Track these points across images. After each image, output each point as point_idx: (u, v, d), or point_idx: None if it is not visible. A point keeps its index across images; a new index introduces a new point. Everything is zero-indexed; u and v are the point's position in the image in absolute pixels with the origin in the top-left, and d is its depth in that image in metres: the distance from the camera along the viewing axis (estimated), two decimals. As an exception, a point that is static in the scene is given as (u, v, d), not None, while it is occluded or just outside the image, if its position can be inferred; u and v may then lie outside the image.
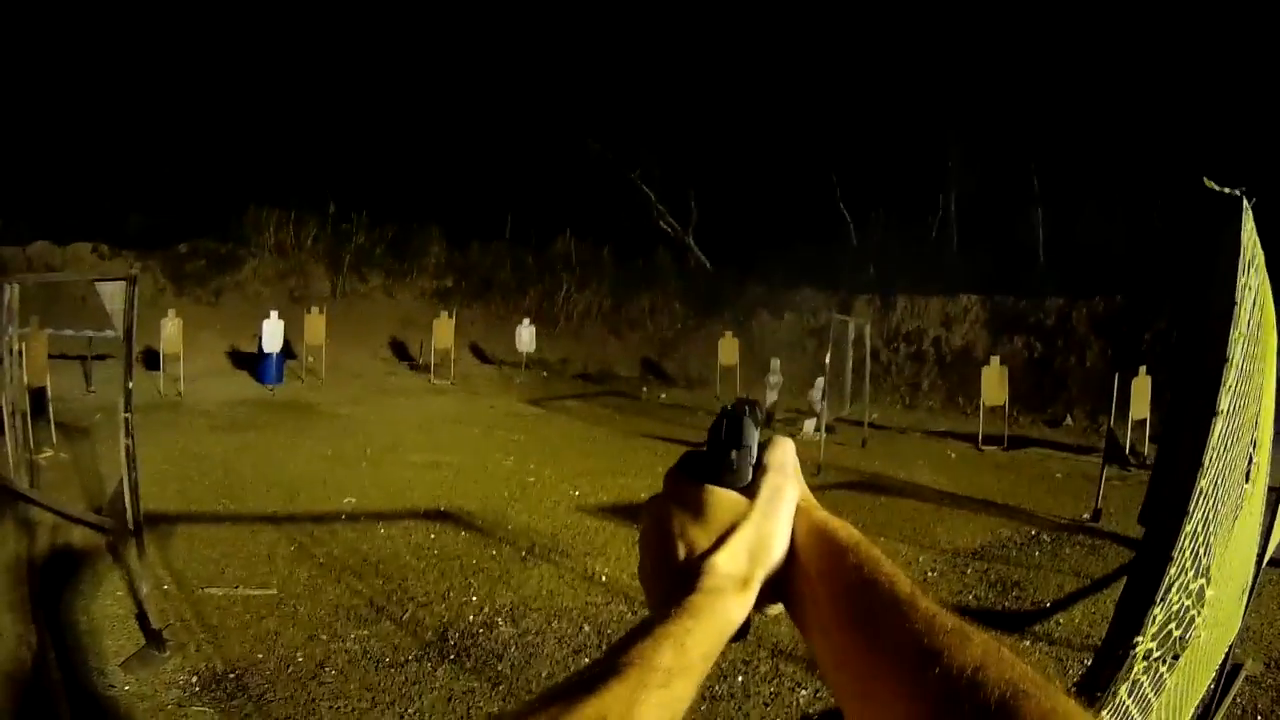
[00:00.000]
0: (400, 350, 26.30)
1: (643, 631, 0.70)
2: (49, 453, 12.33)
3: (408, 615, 7.17)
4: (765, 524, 0.81)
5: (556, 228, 31.82)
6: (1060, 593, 7.79)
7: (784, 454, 0.87)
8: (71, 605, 6.89)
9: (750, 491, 0.82)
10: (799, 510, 0.84)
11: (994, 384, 17.39)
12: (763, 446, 0.86)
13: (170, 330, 19.41)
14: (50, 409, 12.95)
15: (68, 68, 29.98)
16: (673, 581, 0.78)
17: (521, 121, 33.71)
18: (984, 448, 16.05)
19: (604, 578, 7.74)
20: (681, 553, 0.80)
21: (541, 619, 6.78)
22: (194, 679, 5.67)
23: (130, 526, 6.25)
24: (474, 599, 7.17)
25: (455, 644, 6.33)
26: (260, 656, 6.01)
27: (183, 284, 25.49)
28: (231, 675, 5.73)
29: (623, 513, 9.71)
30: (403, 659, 6.06)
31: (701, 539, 0.80)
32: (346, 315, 25.45)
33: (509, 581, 7.64)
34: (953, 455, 15.51)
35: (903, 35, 29.76)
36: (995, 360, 17.93)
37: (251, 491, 10.95)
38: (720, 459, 0.83)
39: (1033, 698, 0.57)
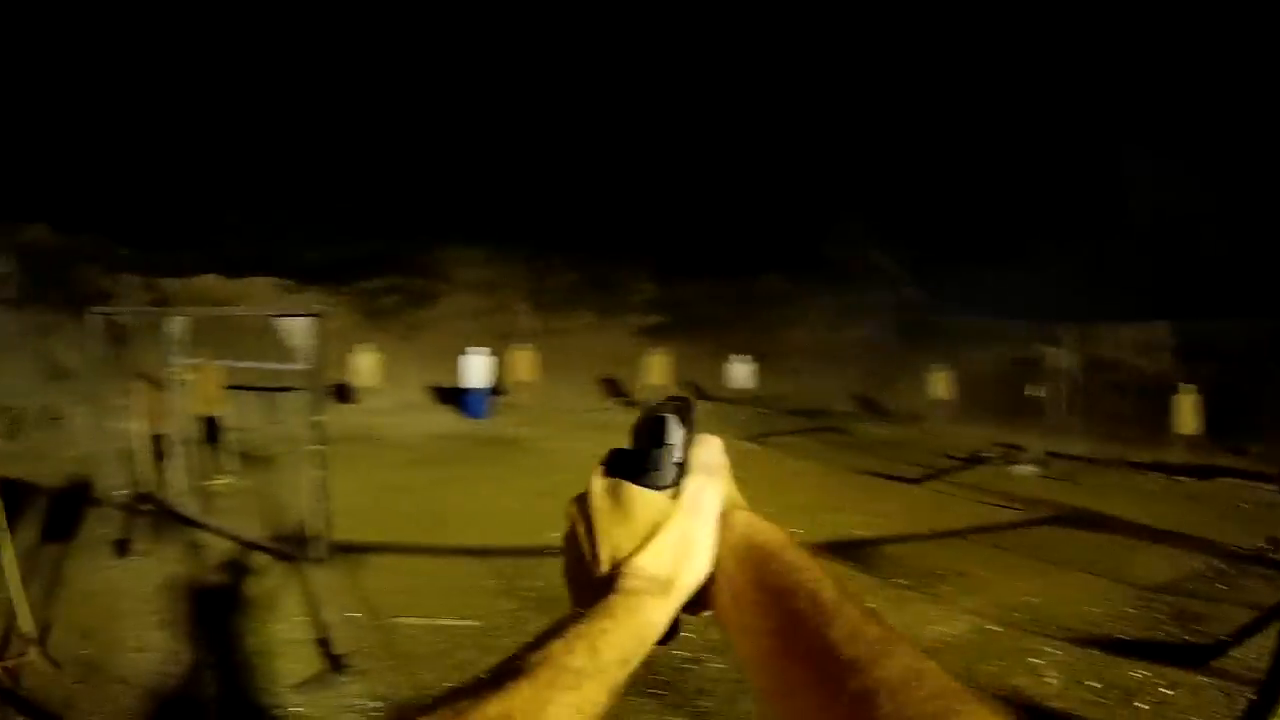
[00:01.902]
0: (611, 386, 26.70)
1: (557, 631, 0.71)
2: (225, 480, 12.81)
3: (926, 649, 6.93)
4: (689, 525, 0.82)
5: (767, 262, 31.89)
6: (1235, 625, 7.62)
7: (710, 454, 0.87)
8: (243, 628, 7.14)
9: (674, 492, 0.83)
10: (726, 512, 0.85)
11: (1187, 413, 17.75)
12: (689, 446, 0.86)
13: (364, 364, 20.33)
14: (226, 438, 13.60)
15: (254, 103, 31.57)
16: (594, 582, 0.81)
17: (730, 155, 34.13)
18: (1177, 478, 15.96)
19: None
20: (604, 553, 0.82)
21: None
22: (375, 704, 5.82)
23: (318, 555, 6.55)
24: (684, 634, 6.73)
25: (663, 679, 6.33)
26: (452, 684, 5.63)
27: (377, 319, 26.59)
28: (410, 705, 5.41)
29: (838, 550, 9.66)
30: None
31: (624, 540, 0.82)
32: (555, 351, 25.87)
33: None
34: (1148, 487, 15.39)
35: (1084, 57, 30.19)
36: (1187, 389, 18.16)
37: (452, 524, 11.07)
38: (643, 458, 0.85)
39: (962, 715, 0.58)
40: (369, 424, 18.92)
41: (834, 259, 31.72)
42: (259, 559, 8.81)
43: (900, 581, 8.58)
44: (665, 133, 34.38)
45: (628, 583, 0.78)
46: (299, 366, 7.94)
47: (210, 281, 25.15)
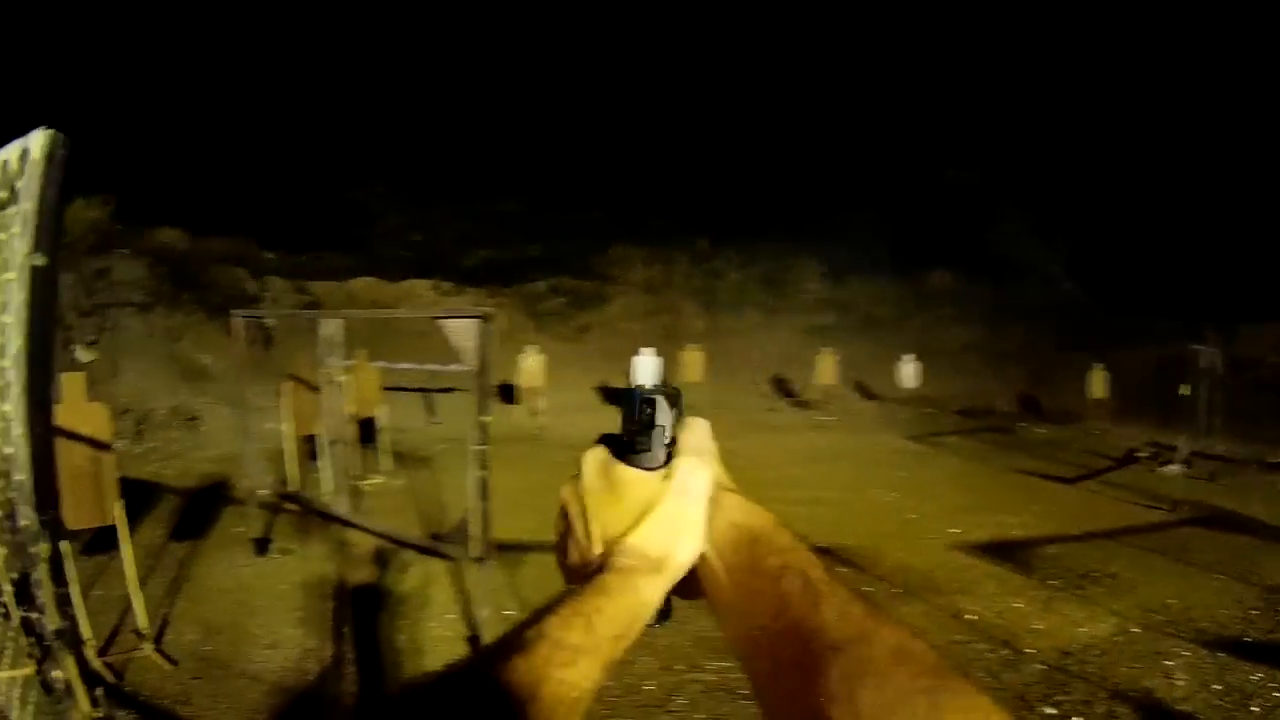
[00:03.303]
0: (781, 386, 26.95)
1: (552, 609, 0.76)
2: (378, 480, 12.89)
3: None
4: (678, 506, 0.85)
5: (933, 259, 32.32)
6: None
7: (699, 435, 0.92)
8: (390, 625, 7.16)
9: (665, 473, 0.87)
10: (715, 494, 0.88)
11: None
12: (678, 429, 0.91)
13: (530, 365, 20.38)
14: (381, 438, 13.73)
15: (410, 103, 32.00)
16: (587, 562, 0.88)
17: (892, 153, 34.34)
18: (1314, 478, 15.69)
19: (970, 616, 7.70)
20: (596, 534, 0.88)
21: None
22: None
23: (477, 554, 6.55)
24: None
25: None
26: (607, 683, 5.28)
27: (541, 320, 26.99)
28: None
29: (994, 551, 9.78)
30: (757, 691, 5.57)
31: (616, 521, 0.87)
32: (724, 351, 26.22)
33: None
34: (1286, 487, 15.37)
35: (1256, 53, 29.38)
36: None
37: None
38: (634, 440, 0.90)
39: (947, 693, 0.61)
40: (533, 425, 19.10)
41: (996, 256, 31.88)
42: (410, 557, 8.84)
43: (1052, 583, 8.59)
44: (834, 131, 34.49)
45: (621, 561, 0.82)
46: (461, 368, 7.70)
47: (366, 284, 25.79)
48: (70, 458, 5.99)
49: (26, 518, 1.79)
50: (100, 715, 1.85)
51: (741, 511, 0.85)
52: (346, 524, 9.51)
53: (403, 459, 13.99)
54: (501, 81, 33.11)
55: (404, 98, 31.70)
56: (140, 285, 18.98)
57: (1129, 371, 23.51)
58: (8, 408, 1.78)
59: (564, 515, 0.93)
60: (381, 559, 8.87)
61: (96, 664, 5.83)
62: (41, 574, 1.80)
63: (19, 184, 1.77)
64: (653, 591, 0.81)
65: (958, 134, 33.28)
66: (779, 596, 0.73)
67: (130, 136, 23.65)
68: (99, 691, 1.89)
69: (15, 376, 1.75)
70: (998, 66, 33.07)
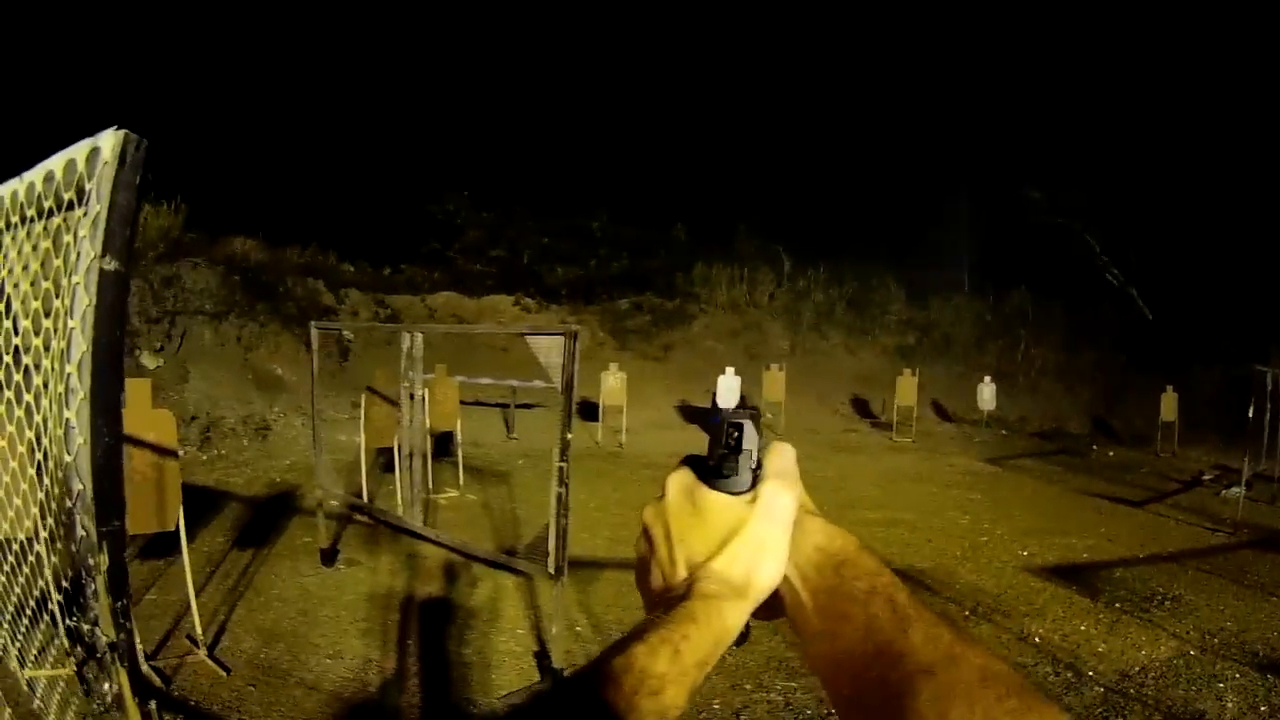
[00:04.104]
0: (861, 407, 27.01)
1: (638, 635, 0.76)
2: (452, 493, 12.96)
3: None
4: (764, 530, 0.85)
5: (1012, 280, 32.25)
6: None
7: (784, 460, 0.91)
8: (457, 639, 7.20)
9: (750, 497, 0.87)
10: (799, 517, 0.88)
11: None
12: (763, 453, 0.91)
13: (612, 383, 20.41)
14: (459, 453, 13.80)
15: (492, 121, 32.32)
16: (670, 586, 0.87)
17: (973, 175, 34.75)
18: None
19: (1038, 639, 7.79)
20: (680, 558, 0.87)
21: None
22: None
23: (553, 570, 6.56)
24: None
25: None
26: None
27: (625, 338, 27.02)
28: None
29: (1062, 573, 9.90)
30: (825, 712, 6.08)
31: (700, 544, 0.87)
32: (806, 371, 26.39)
33: None
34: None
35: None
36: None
37: None
38: (721, 464, 0.90)
39: (1034, 716, 0.63)
40: (613, 442, 19.24)
41: (1072, 276, 31.90)
42: (481, 571, 8.89)
43: (1117, 605, 8.70)
44: (918, 152, 35.11)
45: (705, 586, 0.82)
46: (543, 384, 7.84)
47: (446, 299, 25.93)
48: (132, 463, 6.07)
49: (85, 529, 1.80)
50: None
51: (825, 535, 0.86)
52: (418, 537, 9.51)
53: (479, 473, 14.08)
54: (588, 97, 33.38)
55: (489, 111, 32.05)
56: (212, 294, 19.20)
57: (1199, 392, 23.86)
58: (70, 414, 1.79)
59: (646, 537, 0.93)
60: (452, 572, 8.93)
61: (144, 669, 5.90)
62: (99, 586, 1.81)
63: (88, 185, 1.78)
64: (737, 617, 0.81)
65: (1036, 155, 33.37)
66: (866, 620, 0.75)
67: (205, 145, 24.15)
68: (152, 705, 1.88)
69: (80, 383, 1.76)
70: (1075, 89, 33.44)
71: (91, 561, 1.78)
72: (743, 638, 0.84)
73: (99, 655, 1.87)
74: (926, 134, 35.19)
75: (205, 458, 14.66)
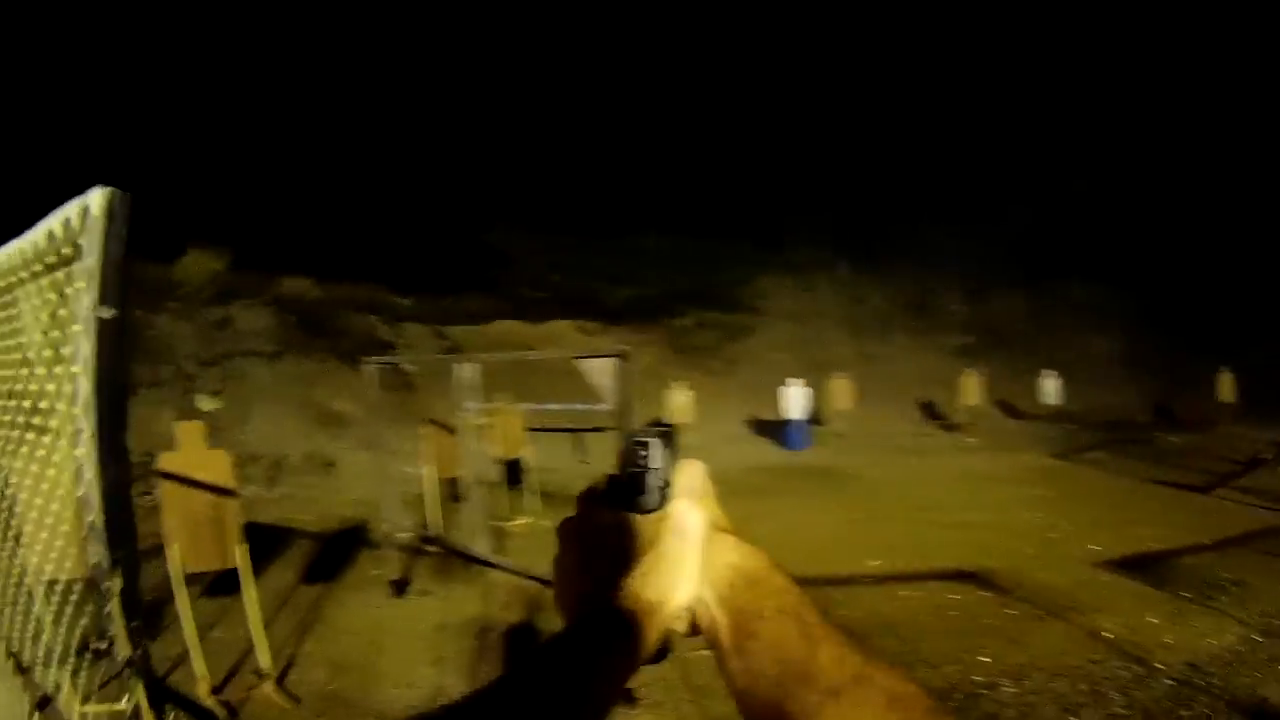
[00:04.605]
0: (927, 409, 27.21)
1: (549, 655, 0.79)
2: (524, 520, 13.02)
3: (916, 677, 6.80)
4: (675, 548, 0.87)
5: (1069, 272, 32.75)
6: None
7: (693, 478, 0.94)
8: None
9: (659, 516, 0.89)
10: (711, 535, 0.89)
11: None
12: (672, 471, 0.93)
13: (679, 400, 20.73)
14: (528, 479, 13.94)
15: (549, 146, 32.58)
16: (584, 606, 0.87)
17: (1022, 167, 34.53)
18: None
19: (1108, 634, 7.80)
20: (593, 577, 0.88)
21: (1044, 678, 6.89)
22: None
23: None
24: (984, 659, 7.37)
25: (957, 705, 6.42)
26: None
27: (689, 355, 27.20)
28: None
29: (1131, 565, 9.97)
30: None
31: (612, 564, 0.87)
32: (871, 377, 26.56)
33: (1021, 640, 7.84)
34: None
35: None
36: None
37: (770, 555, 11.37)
38: (629, 483, 0.92)
39: None
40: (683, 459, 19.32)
41: (1128, 264, 32.15)
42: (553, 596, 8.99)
43: (1184, 594, 8.72)
44: (967, 149, 35.05)
45: (617, 604, 0.82)
46: (602, 406, 7.93)
47: (507, 327, 26.18)
48: (188, 503, 6.27)
49: (99, 555, 1.92)
50: None
51: (738, 553, 0.86)
52: (489, 565, 9.68)
53: (550, 499, 14.11)
54: (636, 117, 33.52)
55: (538, 138, 32.29)
56: (267, 334, 19.47)
57: (1257, 372, 24.20)
58: (80, 452, 1.94)
59: (560, 557, 0.94)
60: (525, 600, 8.93)
61: (209, 701, 6.15)
62: (114, 608, 1.90)
63: (81, 240, 1.94)
64: (650, 634, 0.82)
65: (1085, 145, 33.77)
66: (775, 639, 0.76)
67: (249, 188, 24.59)
68: (171, 716, 2.05)
69: (86, 422, 1.90)
70: (1126, 78, 33.60)
71: (106, 585, 1.92)
72: (661, 654, 0.86)
73: (118, 673, 2.01)
74: (981, 131, 35.22)
75: (271, 495, 14.89)
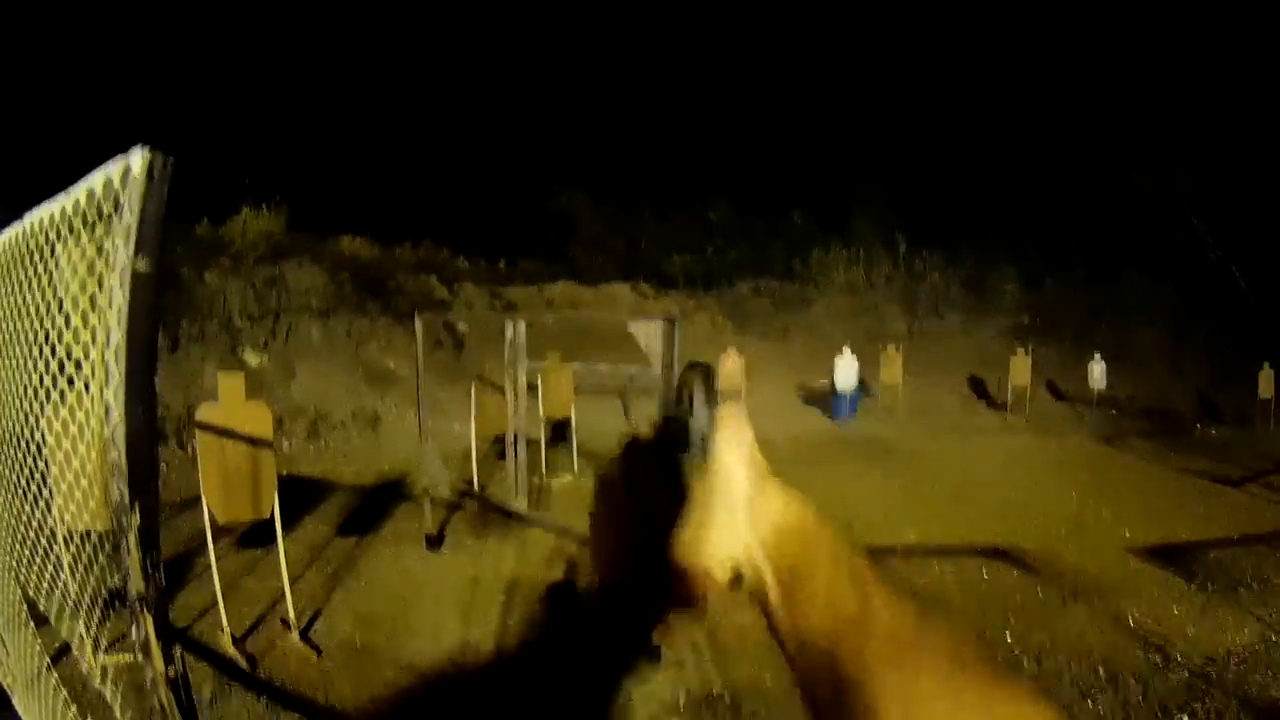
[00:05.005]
0: (977, 387, 27.07)
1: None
2: (567, 478, 13.15)
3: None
4: (718, 498, 0.84)
5: (1123, 262, 32.43)
6: None
7: (736, 426, 0.89)
8: (566, 620, 7.49)
9: (703, 464, 0.87)
10: (759, 482, 0.87)
11: None
12: (714, 418, 0.90)
13: (729, 366, 20.33)
14: (573, 438, 14.05)
15: (608, 113, 32.60)
16: (624, 559, 0.93)
17: (1089, 155, 34.97)
18: None
19: (1132, 620, 7.92)
20: (633, 528, 0.90)
21: (1064, 660, 6.99)
22: (681, 696, 5.97)
23: None
24: (1008, 638, 7.48)
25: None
26: (769, 682, 6.09)
27: (744, 323, 27.19)
28: (725, 697, 6.00)
29: (1161, 555, 10.05)
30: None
31: (654, 515, 0.87)
32: (923, 352, 26.59)
33: (1045, 622, 7.91)
34: None
35: None
36: None
37: None
38: (671, 432, 0.92)
39: (1006, 694, 0.66)
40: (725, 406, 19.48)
41: (1180, 257, 32.01)
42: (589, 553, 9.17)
43: (1210, 588, 8.76)
44: (1030, 136, 35.48)
45: (659, 557, 0.84)
46: (651, 370, 8.03)
47: (564, 289, 26.24)
48: (225, 454, 6.39)
49: (120, 491, 1.98)
50: (177, 674, 2.09)
51: (784, 502, 0.85)
52: (529, 522, 9.85)
53: (596, 459, 14.10)
54: (701, 85, 33.54)
55: (604, 107, 32.35)
56: (318, 291, 19.58)
57: None
58: (109, 395, 2.06)
59: (601, 507, 0.95)
60: (562, 556, 9.07)
61: (231, 651, 6.28)
62: (130, 543, 1.97)
63: (121, 198, 2.07)
64: (692, 587, 0.84)
65: (1145, 138, 33.33)
66: (829, 592, 0.76)
67: (307, 149, 24.83)
68: (177, 650, 2.15)
69: (116, 368, 2.02)
70: (1185, 71, 33.52)
71: (124, 521, 2.04)
72: (654, 653, 0.94)
73: (128, 607, 2.12)
74: (1040, 117, 35.60)
75: (313, 450, 15.07)
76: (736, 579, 0.84)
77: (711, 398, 0.92)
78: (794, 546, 0.81)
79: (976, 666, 0.67)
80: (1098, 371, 24.81)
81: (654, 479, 0.89)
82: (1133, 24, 34.86)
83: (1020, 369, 23.72)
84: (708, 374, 0.95)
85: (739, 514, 0.83)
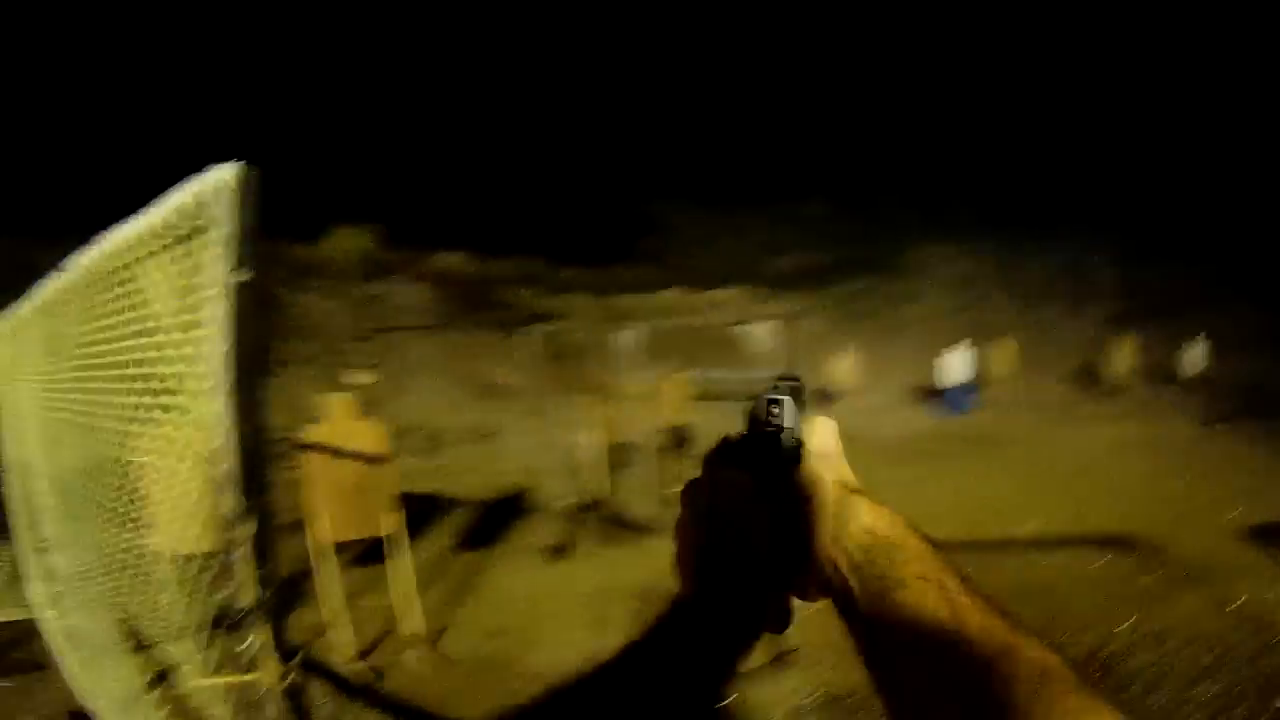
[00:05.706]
0: (1082, 375, 26.96)
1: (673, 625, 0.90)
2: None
3: (1055, 643, 6.90)
4: (806, 510, 0.86)
5: (1225, 242, 31.78)
6: None
7: (825, 437, 0.93)
8: (695, 627, 7.22)
9: (791, 477, 0.88)
10: (845, 499, 0.87)
11: None
12: (803, 430, 0.92)
13: (840, 366, 20.90)
14: (693, 445, 13.83)
15: (706, 122, 32.62)
16: (707, 571, 0.89)
17: (1188, 136, 34.58)
18: None
19: (1237, 602, 7.78)
20: (718, 540, 0.88)
21: (1178, 645, 6.88)
22: (809, 698, 6.01)
23: None
24: (1123, 626, 7.40)
25: (1091, 671, 6.40)
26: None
27: (853, 321, 27.20)
28: (849, 698, 5.96)
29: (1268, 535, 9.85)
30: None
31: (739, 527, 0.87)
32: (1031, 342, 26.62)
33: (1159, 608, 7.83)
34: None
35: None
36: None
37: (926, 520, 11.30)
38: (759, 443, 0.91)
39: (1092, 715, 0.65)
40: (848, 425, 19.35)
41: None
42: None
43: None
44: (1128, 120, 35.35)
45: (743, 570, 0.85)
46: (765, 372, 7.94)
47: (673, 295, 26.43)
48: (336, 473, 6.48)
49: (232, 503, 2.02)
50: (292, 685, 2.09)
51: (873, 516, 0.85)
52: (653, 530, 9.86)
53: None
54: (800, 84, 33.53)
55: (701, 109, 32.45)
56: (423, 308, 19.80)
57: None
58: (218, 406, 2.07)
59: (685, 518, 0.92)
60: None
61: (357, 666, 6.34)
62: (242, 554, 2.03)
63: (215, 211, 2.08)
64: (778, 600, 0.87)
65: (1244, 117, 33.39)
66: (916, 606, 0.75)
67: (396, 168, 25.18)
68: (295, 662, 2.15)
69: (223, 379, 2.02)
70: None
71: (237, 532, 2.05)
72: (785, 621, 0.87)
73: (238, 619, 2.12)
74: (1143, 104, 35.38)
75: (428, 466, 15.15)
76: (822, 589, 0.86)
77: (802, 409, 0.92)
78: (881, 559, 0.81)
79: (1068, 690, 0.66)
80: (1199, 354, 24.79)
81: (741, 490, 0.88)
82: (1235, 22, 34.95)
83: (1123, 355, 23.99)
84: (798, 386, 0.95)
85: (825, 525, 0.85)
